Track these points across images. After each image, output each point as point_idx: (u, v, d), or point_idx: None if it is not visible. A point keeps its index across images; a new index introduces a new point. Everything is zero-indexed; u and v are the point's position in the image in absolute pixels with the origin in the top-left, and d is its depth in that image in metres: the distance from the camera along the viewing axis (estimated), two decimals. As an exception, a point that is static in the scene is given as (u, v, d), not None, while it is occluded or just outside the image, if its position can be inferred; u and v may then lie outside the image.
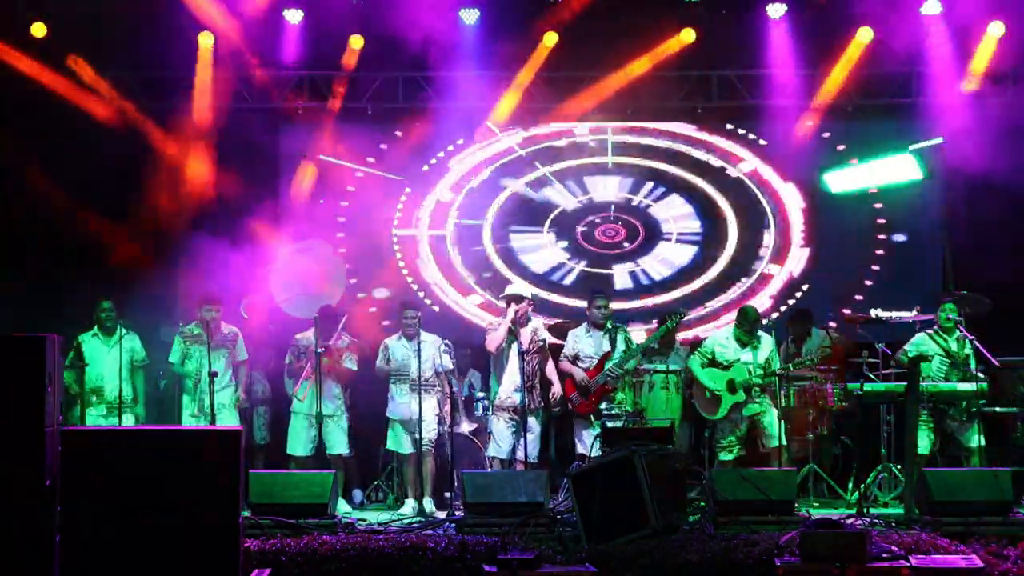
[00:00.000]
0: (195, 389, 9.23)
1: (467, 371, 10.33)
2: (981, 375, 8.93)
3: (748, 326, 9.28)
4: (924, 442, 9.02)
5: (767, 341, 9.36)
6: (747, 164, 11.54)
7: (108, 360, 9.35)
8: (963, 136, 10.67)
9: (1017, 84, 10.87)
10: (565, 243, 11.49)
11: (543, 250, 11.51)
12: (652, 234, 11.54)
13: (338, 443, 9.24)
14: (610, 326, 9.29)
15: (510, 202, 11.56)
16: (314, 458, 9.13)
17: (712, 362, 9.30)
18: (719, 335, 9.53)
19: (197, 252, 10.01)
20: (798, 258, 11.45)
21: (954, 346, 9.13)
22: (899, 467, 9.13)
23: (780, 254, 11.48)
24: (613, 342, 9.20)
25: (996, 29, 10.57)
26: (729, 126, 11.53)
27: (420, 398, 8.96)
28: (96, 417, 9.26)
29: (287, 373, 9.59)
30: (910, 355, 8.98)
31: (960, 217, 11.04)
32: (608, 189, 11.60)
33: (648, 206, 11.55)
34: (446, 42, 10.59)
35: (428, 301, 11.21)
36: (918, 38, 10.70)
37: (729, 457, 9.15)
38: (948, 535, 7.20)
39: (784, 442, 9.07)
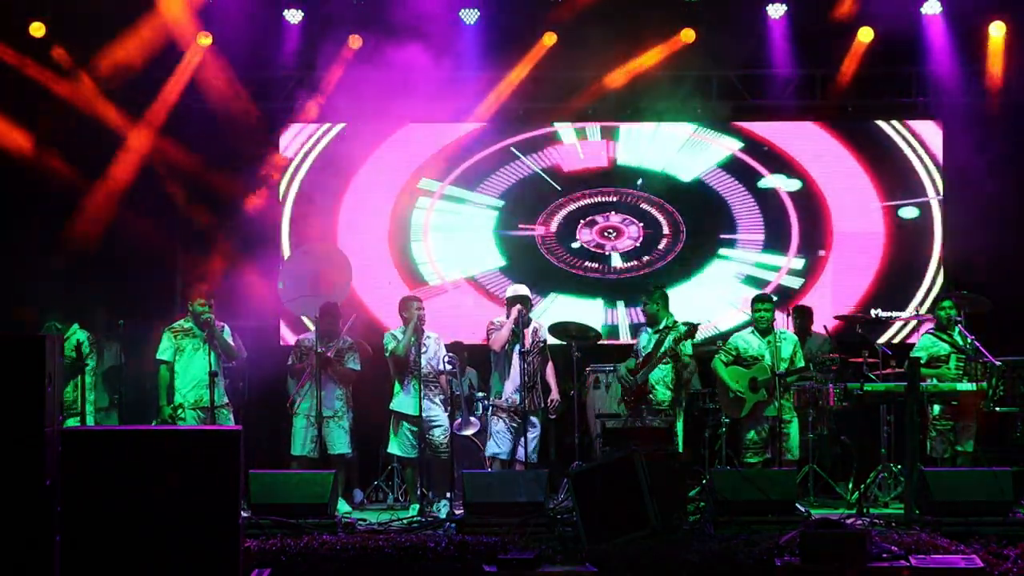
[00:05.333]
0: (194, 387, 9.08)
1: (464, 370, 10.30)
2: (999, 363, 8.80)
3: (761, 306, 9.22)
4: (941, 446, 9.05)
5: (790, 337, 9.31)
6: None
7: None
8: (963, 135, 10.69)
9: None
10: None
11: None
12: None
13: (339, 443, 9.21)
14: (662, 325, 9.13)
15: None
16: (315, 458, 9.11)
17: (736, 359, 9.22)
18: (742, 332, 9.43)
19: (196, 252, 10.01)
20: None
21: (960, 340, 9.08)
22: (899, 467, 9.14)
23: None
24: (659, 343, 9.05)
25: (997, 30, 10.57)
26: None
27: (427, 393, 8.97)
28: None
29: (289, 374, 9.55)
30: (923, 359, 8.95)
31: (961, 216, 11.03)
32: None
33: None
34: (446, 42, 10.59)
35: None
36: (918, 38, 10.70)
37: (755, 460, 9.05)
38: (948, 535, 7.20)
39: (796, 455, 9.09)
